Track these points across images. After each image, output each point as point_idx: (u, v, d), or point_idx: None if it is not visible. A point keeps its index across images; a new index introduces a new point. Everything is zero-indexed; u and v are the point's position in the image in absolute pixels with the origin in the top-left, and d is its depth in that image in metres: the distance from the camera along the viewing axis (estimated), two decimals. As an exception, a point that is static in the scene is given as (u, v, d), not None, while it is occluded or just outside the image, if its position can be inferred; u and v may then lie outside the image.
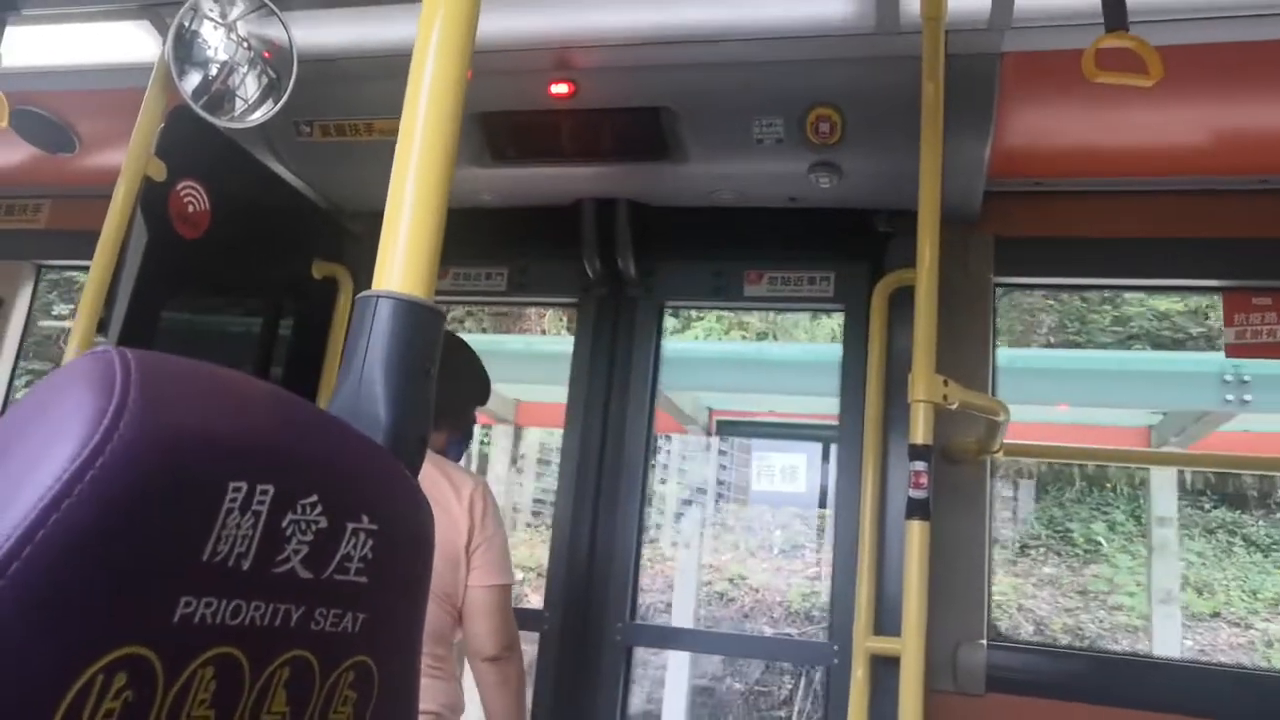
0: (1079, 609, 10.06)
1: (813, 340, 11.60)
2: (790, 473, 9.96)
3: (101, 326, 2.36)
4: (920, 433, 2.07)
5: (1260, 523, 11.21)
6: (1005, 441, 2.58)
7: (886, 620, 2.54)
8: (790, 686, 9.51)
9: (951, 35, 2.22)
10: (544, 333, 11.82)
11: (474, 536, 2.21)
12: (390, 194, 0.83)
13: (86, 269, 2.38)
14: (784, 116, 2.54)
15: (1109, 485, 10.74)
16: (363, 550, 0.59)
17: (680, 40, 2.45)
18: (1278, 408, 5.54)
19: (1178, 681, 2.63)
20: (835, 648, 2.72)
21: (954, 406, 2.16)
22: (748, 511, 11.08)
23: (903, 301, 2.63)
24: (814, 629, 9.99)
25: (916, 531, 2.04)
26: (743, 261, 3.10)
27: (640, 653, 4.10)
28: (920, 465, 2.07)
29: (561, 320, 11.94)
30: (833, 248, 2.99)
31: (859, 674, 2.46)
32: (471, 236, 3.17)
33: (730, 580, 10.64)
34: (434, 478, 2.23)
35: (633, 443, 3.05)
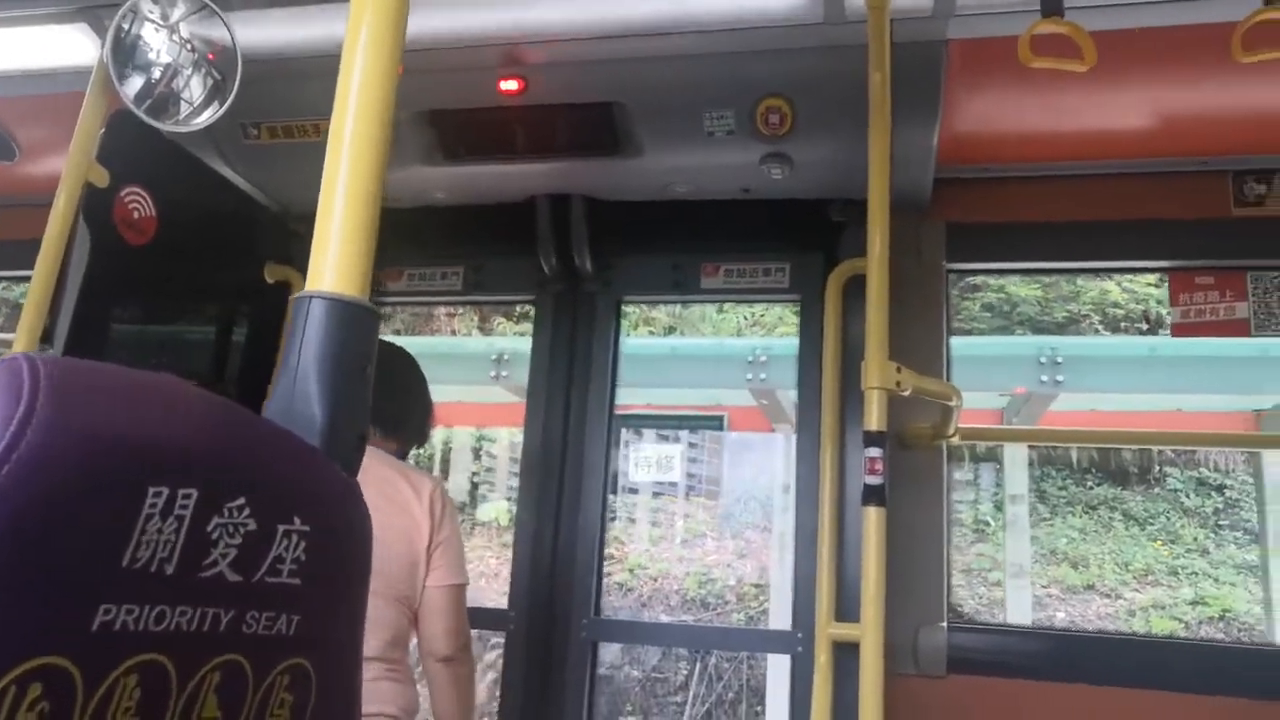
0: (960, 586, 10.34)
1: (717, 334, 11.79)
2: (665, 462, 10.30)
3: (45, 337, 2.31)
4: (875, 419, 2.09)
5: (1139, 497, 11.61)
6: (960, 425, 2.61)
7: (848, 606, 2.56)
8: (686, 672, 9.67)
9: (896, 24, 2.24)
10: (454, 333, 11.86)
11: (434, 537, 2.20)
12: (322, 193, 0.82)
13: (28, 279, 2.33)
14: (734, 108, 2.55)
15: (999, 467, 11.01)
16: (295, 552, 0.59)
17: (629, 34, 2.44)
18: (1090, 387, 5.87)
19: (1135, 656, 2.68)
20: (799, 635, 2.74)
21: (907, 393, 2.18)
22: (634, 500, 11.34)
23: (857, 290, 2.65)
24: (708, 615, 10.24)
25: (874, 517, 2.06)
26: (699, 255, 3.10)
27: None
28: (875, 451, 2.09)
29: (473, 321, 11.97)
30: (787, 239, 3.01)
31: (821, 660, 2.48)
32: (425, 236, 3.17)
33: (630, 570, 10.79)
34: (394, 480, 2.22)
35: (593, 439, 3.05)
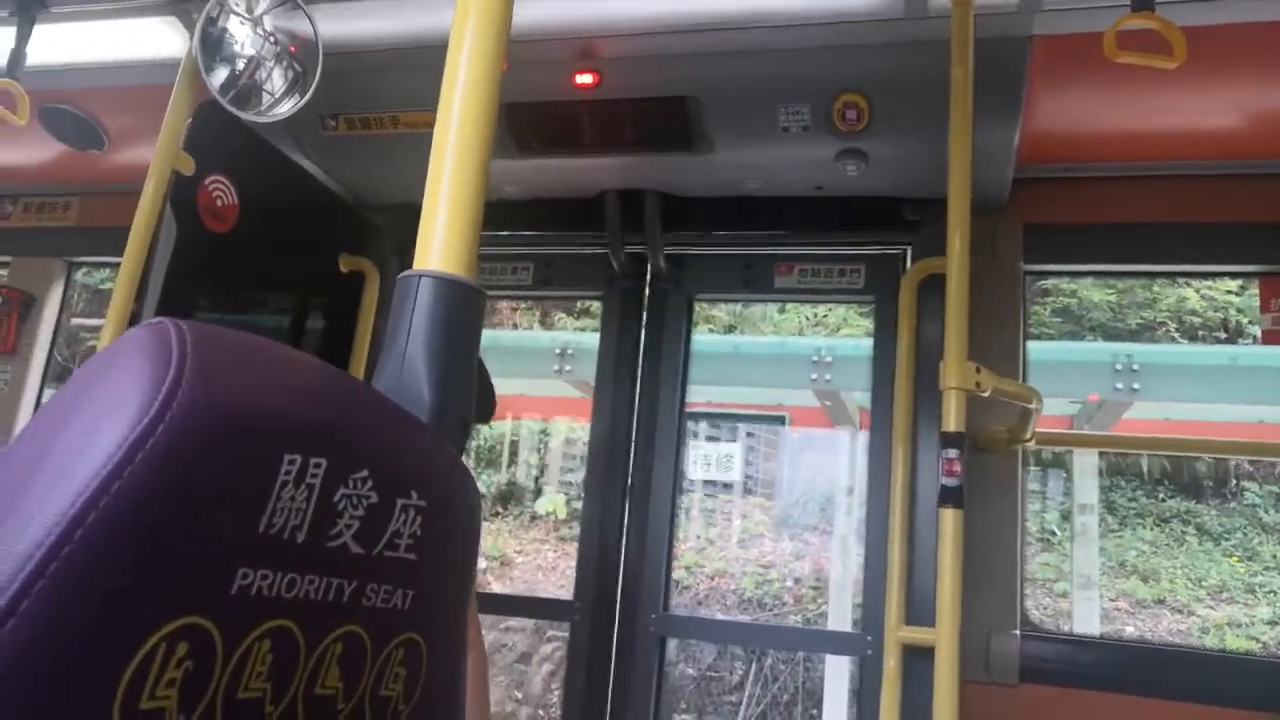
0: (1025, 596, 10.11)
1: (778, 332, 11.67)
2: (725, 461, 10.29)
3: (133, 322, 2.37)
4: (953, 420, 2.05)
5: (1213, 511, 11.26)
6: (1038, 430, 2.55)
7: (917, 610, 2.52)
8: (742, 672, 9.60)
9: (980, 19, 2.20)
10: (515, 327, 11.95)
11: None
12: (430, 174, 0.82)
13: (117, 265, 2.40)
14: (810, 104, 2.52)
15: (1065, 475, 10.74)
16: (412, 527, 0.59)
17: (705, 28, 2.43)
18: (1167, 396, 5.70)
19: (1213, 672, 2.60)
20: (868, 638, 2.71)
21: (986, 394, 2.14)
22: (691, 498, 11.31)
23: (931, 290, 2.61)
24: (765, 616, 10.15)
25: (950, 519, 2.03)
26: (773, 253, 3.09)
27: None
28: (953, 453, 2.05)
29: (535, 315, 12.03)
30: (863, 237, 2.98)
31: (891, 664, 2.44)
32: (494, 230, 3.20)
33: (686, 568, 10.78)
34: None
35: (664, 436, 3.05)
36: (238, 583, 0.47)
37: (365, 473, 0.54)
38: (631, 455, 3.06)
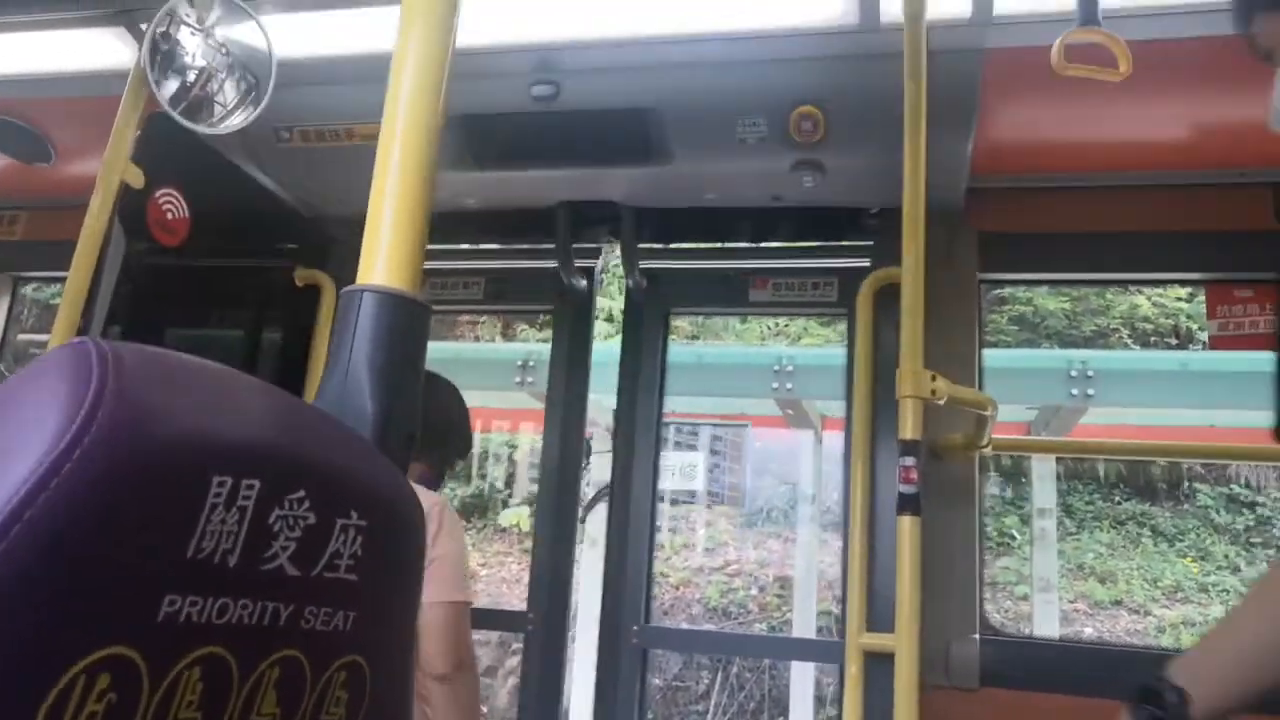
0: (986, 599, 10.25)
1: (740, 341, 11.74)
2: (688, 470, 10.35)
3: (80, 336, 2.32)
4: (909, 428, 2.07)
5: (1167, 514, 11.49)
6: (994, 436, 2.58)
7: (879, 616, 2.53)
8: (708, 681, 9.61)
9: (933, 32, 2.23)
10: (477, 339, 11.91)
11: (428, 554, 2.15)
12: (373, 188, 0.81)
13: (64, 280, 2.35)
14: (767, 115, 2.54)
15: (1024, 480, 10.93)
16: (352, 547, 0.58)
17: (663, 41, 2.44)
18: (1121, 402, 5.82)
19: (1129, 668, 2.64)
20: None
21: (942, 402, 2.16)
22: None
23: (889, 299, 2.63)
24: (729, 624, 10.21)
25: (908, 527, 2.04)
26: (748, 266, 3.10)
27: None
28: (910, 460, 2.07)
29: (496, 327, 11.99)
30: (823, 248, 3.01)
31: (853, 670, 2.45)
32: (448, 243, 3.20)
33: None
34: None
35: (643, 448, 3.04)
36: (164, 610, 0.45)
37: (302, 493, 0.53)
38: (611, 467, 3.07)
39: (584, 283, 3.16)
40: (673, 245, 3.12)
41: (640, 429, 3.06)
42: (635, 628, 2.90)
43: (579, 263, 3.11)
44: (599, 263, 3.25)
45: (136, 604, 0.44)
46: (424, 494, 2.23)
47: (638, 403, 3.08)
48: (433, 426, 2.32)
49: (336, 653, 0.58)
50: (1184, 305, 11.31)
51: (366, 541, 0.59)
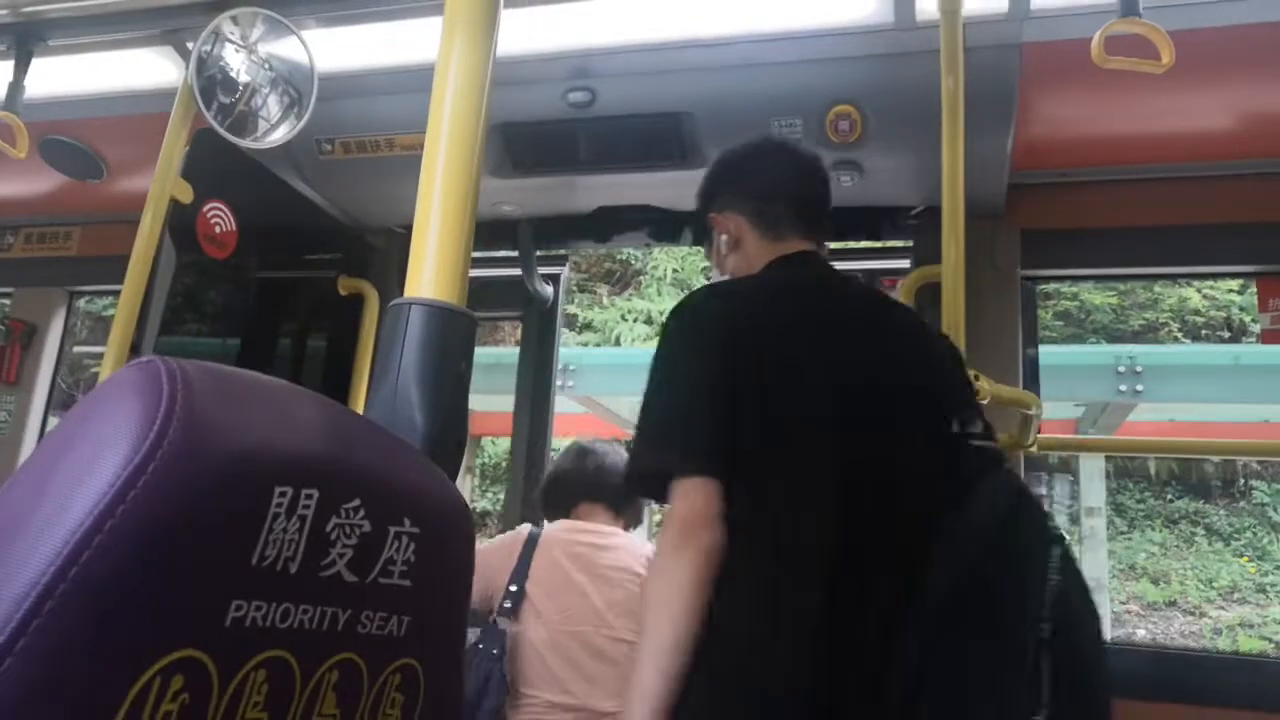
0: None
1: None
2: None
3: (134, 350, 2.39)
4: None
5: (1222, 511, 11.20)
6: (1040, 435, 2.55)
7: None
8: None
9: (970, 28, 2.21)
10: (517, 343, 11.96)
11: None
12: (419, 203, 0.83)
13: (118, 294, 2.41)
14: (803, 116, 2.53)
15: (1072, 478, 10.72)
16: (405, 554, 0.60)
17: (697, 44, 2.45)
18: (1170, 398, 5.67)
19: (1225, 675, 2.59)
20: None
21: (986, 401, 2.14)
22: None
23: (930, 298, 2.61)
24: None
25: None
26: None
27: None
28: (954, 461, 2.05)
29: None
30: (872, 249, 3.00)
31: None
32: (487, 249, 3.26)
33: None
34: None
35: None
36: (232, 615, 0.48)
37: (357, 502, 0.55)
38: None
39: (549, 289, 3.34)
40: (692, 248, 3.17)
41: None
42: None
43: (546, 270, 3.29)
44: (564, 270, 3.45)
45: (206, 609, 0.47)
46: None
47: None
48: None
49: (392, 656, 0.60)
50: (1235, 297, 11.08)
51: (419, 548, 0.61)
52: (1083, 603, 1.44)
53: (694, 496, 1.45)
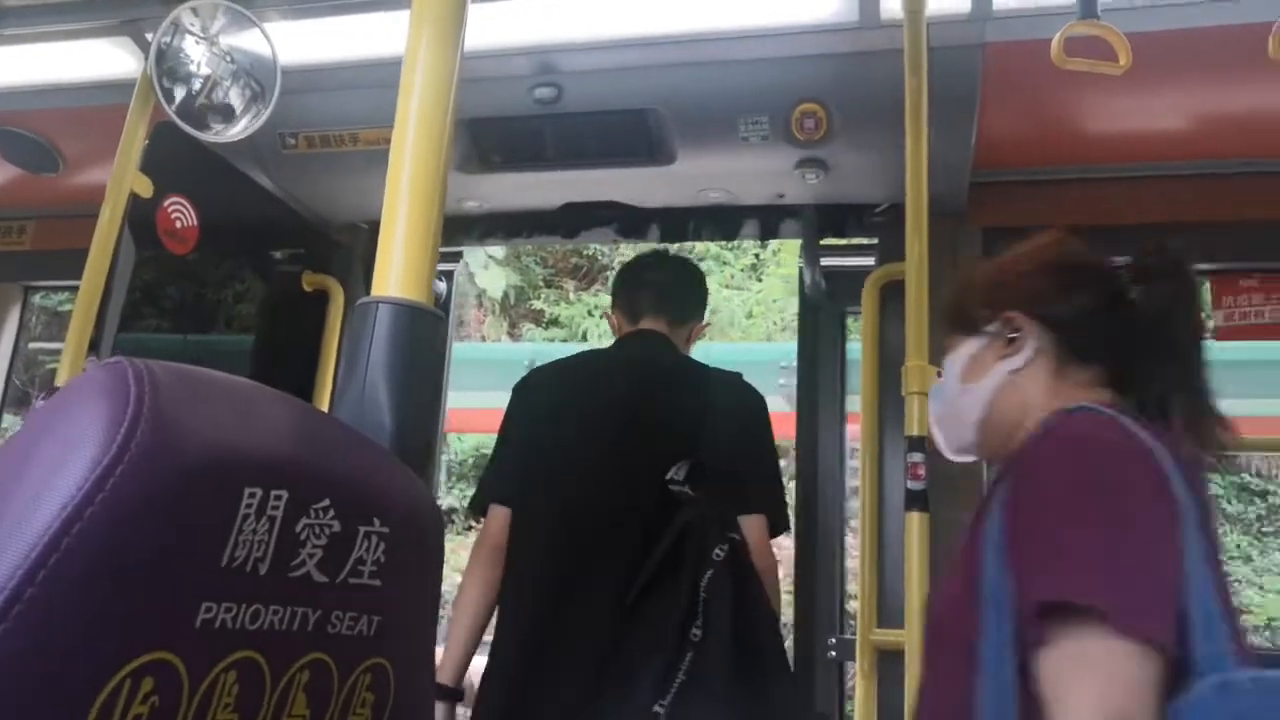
0: None
1: (746, 339, 11.66)
2: None
3: (93, 346, 2.35)
4: (916, 424, 2.08)
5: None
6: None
7: (889, 613, 2.54)
8: None
9: (933, 28, 2.24)
10: (484, 339, 11.90)
11: None
12: (386, 200, 0.83)
13: (74, 289, 2.37)
14: (769, 114, 2.55)
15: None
16: (375, 553, 0.59)
17: (665, 41, 2.45)
18: None
19: None
20: None
21: None
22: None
23: (894, 295, 2.64)
24: None
25: (916, 523, 2.05)
26: None
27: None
28: (917, 457, 2.08)
29: (503, 326, 11.99)
30: (836, 246, 3.01)
31: (864, 667, 2.46)
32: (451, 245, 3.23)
33: None
34: None
35: (827, 447, 2.96)
36: (201, 616, 0.47)
37: (327, 502, 0.55)
38: (795, 471, 2.99)
39: (442, 285, 3.31)
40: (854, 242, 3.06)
41: (824, 431, 2.98)
42: (831, 640, 2.79)
43: (440, 266, 3.18)
44: (457, 266, 3.48)
45: (176, 611, 0.46)
46: None
47: (819, 405, 3.01)
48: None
49: (362, 656, 0.60)
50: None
51: (388, 548, 0.61)
52: (742, 615, 1.95)
53: (490, 518, 2.25)
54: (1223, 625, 1.07)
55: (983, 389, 1.35)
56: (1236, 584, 10.24)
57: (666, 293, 2.47)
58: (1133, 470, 1.11)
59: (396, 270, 0.80)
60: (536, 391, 2.38)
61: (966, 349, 1.39)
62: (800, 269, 3.02)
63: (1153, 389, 1.30)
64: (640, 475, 2.11)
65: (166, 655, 0.45)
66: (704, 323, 2.59)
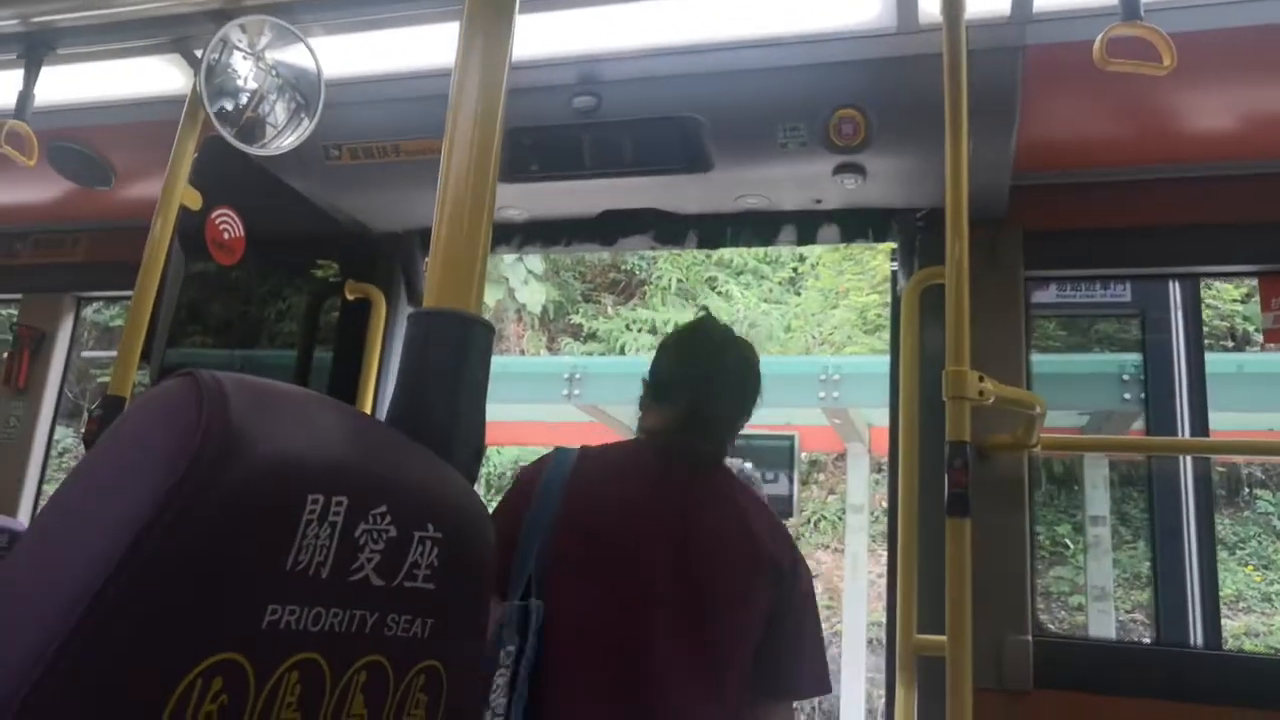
0: (1040, 610, 10.03)
1: (785, 352, 11.58)
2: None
3: (144, 356, 2.40)
4: (957, 429, 2.06)
5: (1227, 521, 11.15)
6: (1043, 435, 2.56)
7: (929, 619, 2.52)
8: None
9: (973, 31, 2.22)
10: (523, 352, 11.95)
11: None
12: (436, 214, 0.85)
13: (126, 299, 2.42)
14: (807, 120, 2.55)
15: (1076, 487, 10.67)
16: (429, 558, 0.61)
17: (703, 49, 2.46)
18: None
19: (1230, 673, 2.59)
20: None
21: (990, 402, 2.15)
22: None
23: (935, 300, 2.63)
24: None
25: (957, 528, 2.03)
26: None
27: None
28: (958, 461, 2.06)
29: (541, 340, 12.05)
30: (866, 250, 3.00)
31: (904, 673, 2.45)
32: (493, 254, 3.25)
33: None
34: None
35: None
36: (267, 618, 0.49)
37: (384, 508, 0.57)
38: (888, 475, 2.95)
39: None
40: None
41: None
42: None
43: None
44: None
45: (244, 613, 0.48)
46: None
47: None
48: None
49: (416, 657, 0.61)
50: (1239, 307, 11.05)
51: (442, 552, 0.62)
52: None
53: None
54: None
55: None
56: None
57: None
58: None
59: (446, 281, 0.82)
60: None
61: None
62: (893, 272, 3.00)
63: None
64: None
65: (235, 656, 0.47)
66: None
